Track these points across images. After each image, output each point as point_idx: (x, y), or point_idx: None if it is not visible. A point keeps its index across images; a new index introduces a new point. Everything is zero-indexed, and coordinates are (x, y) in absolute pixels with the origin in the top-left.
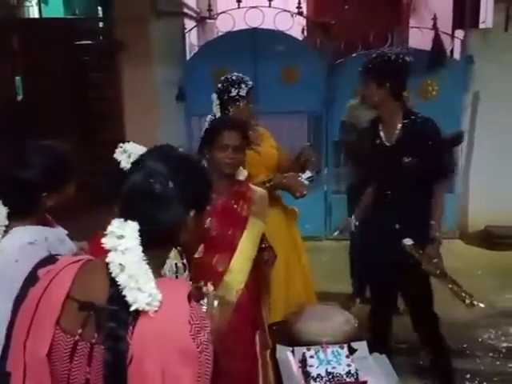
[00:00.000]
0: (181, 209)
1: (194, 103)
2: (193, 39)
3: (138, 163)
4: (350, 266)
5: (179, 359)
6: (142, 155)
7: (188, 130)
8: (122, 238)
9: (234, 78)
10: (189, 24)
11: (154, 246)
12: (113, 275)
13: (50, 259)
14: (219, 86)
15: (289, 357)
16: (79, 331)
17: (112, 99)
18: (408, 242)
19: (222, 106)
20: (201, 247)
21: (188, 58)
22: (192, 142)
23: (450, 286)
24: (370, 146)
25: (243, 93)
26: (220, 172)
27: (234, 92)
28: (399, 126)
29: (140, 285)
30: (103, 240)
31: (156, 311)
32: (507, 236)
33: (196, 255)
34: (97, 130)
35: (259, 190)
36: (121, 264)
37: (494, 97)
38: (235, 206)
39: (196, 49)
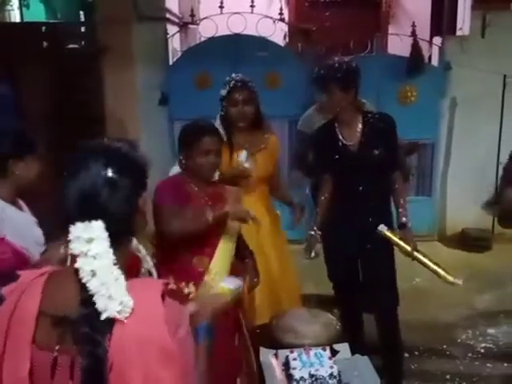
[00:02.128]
0: (133, 195)
1: (177, 107)
2: (176, 44)
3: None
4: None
5: (160, 360)
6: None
7: (171, 135)
8: (91, 242)
9: (226, 78)
10: (172, 29)
11: (119, 243)
12: (83, 281)
13: (11, 276)
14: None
15: (272, 360)
16: (57, 347)
17: (94, 103)
18: (383, 228)
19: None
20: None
21: (171, 62)
22: (175, 146)
23: (428, 265)
24: (330, 149)
25: (223, 93)
26: (200, 176)
27: (222, 92)
28: (360, 125)
29: (111, 292)
30: (70, 246)
31: (131, 315)
32: (483, 238)
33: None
34: (77, 134)
35: (234, 190)
36: (92, 270)
37: (471, 102)
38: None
39: (179, 54)
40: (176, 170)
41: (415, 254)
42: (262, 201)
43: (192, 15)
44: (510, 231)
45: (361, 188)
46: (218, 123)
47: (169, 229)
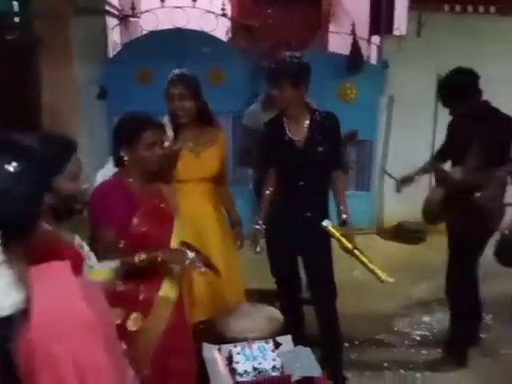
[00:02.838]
0: (36, 192)
1: (117, 102)
2: (116, 37)
3: None
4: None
5: (84, 332)
6: None
7: (110, 129)
8: None
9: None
10: (111, 22)
11: (17, 239)
12: None
13: None
14: None
15: (215, 355)
16: None
17: (30, 97)
18: (328, 223)
19: None
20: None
21: (111, 56)
22: None
23: (365, 262)
24: (277, 143)
25: (166, 87)
26: (144, 171)
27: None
28: (307, 122)
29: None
30: None
31: (46, 297)
32: (418, 230)
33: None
34: (11, 129)
35: (167, 186)
36: None
37: (408, 99)
38: (162, 206)
39: (119, 47)
40: (106, 172)
41: (355, 251)
42: (208, 199)
43: (133, 8)
44: (441, 224)
45: (303, 183)
46: (165, 119)
47: (104, 254)
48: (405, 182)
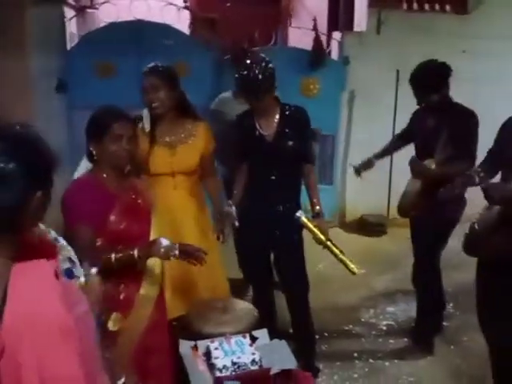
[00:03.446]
0: (25, 189)
1: (77, 95)
2: (73, 29)
3: None
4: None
5: (56, 336)
6: None
7: (69, 124)
8: None
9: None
10: (69, 13)
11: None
12: None
13: None
14: None
15: (192, 351)
16: None
17: None
18: (301, 214)
19: None
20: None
21: (69, 47)
22: (74, 135)
23: (338, 254)
24: (248, 139)
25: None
26: (113, 166)
27: None
28: (277, 116)
29: None
30: None
31: (22, 296)
32: (380, 223)
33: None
34: None
35: (142, 181)
36: None
37: (368, 95)
38: (139, 201)
39: (76, 38)
40: (84, 166)
41: (327, 242)
42: (185, 193)
43: None
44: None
45: (274, 177)
46: (145, 113)
47: (81, 253)
48: (365, 166)
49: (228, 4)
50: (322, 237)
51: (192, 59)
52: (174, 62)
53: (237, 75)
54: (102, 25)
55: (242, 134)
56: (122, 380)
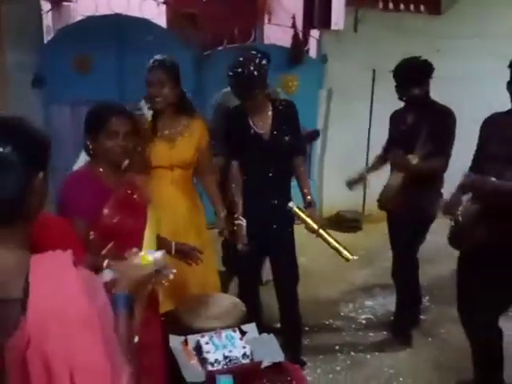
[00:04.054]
0: (27, 170)
1: (54, 90)
2: (49, 22)
3: None
4: (222, 248)
5: (80, 328)
6: None
7: (46, 119)
8: None
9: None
10: (45, 6)
11: (11, 220)
12: None
13: None
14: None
15: (183, 345)
16: None
17: None
18: (293, 205)
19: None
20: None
21: (45, 41)
22: (51, 131)
23: (331, 242)
24: (243, 138)
25: (146, 74)
26: (109, 162)
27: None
28: (269, 113)
29: None
30: None
31: (45, 287)
32: (356, 220)
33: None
34: None
35: (140, 177)
36: None
37: (345, 92)
38: (134, 197)
39: (52, 32)
40: (83, 159)
41: (320, 231)
42: (181, 187)
43: None
44: (376, 213)
45: (271, 174)
46: (142, 104)
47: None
48: (358, 181)
49: (204, 0)
50: (315, 226)
51: (171, 54)
52: (152, 56)
53: (230, 73)
54: (79, 18)
55: (234, 133)
56: None
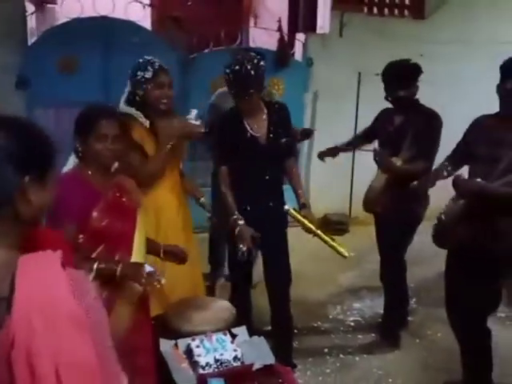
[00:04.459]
0: (11, 172)
1: (38, 92)
2: (33, 24)
3: None
4: (209, 250)
5: (68, 326)
6: None
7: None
8: None
9: (140, 61)
10: (29, 7)
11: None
12: None
13: None
14: (130, 72)
15: (173, 349)
16: None
17: None
18: (289, 207)
19: (131, 92)
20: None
21: (29, 42)
22: None
23: (328, 241)
24: (238, 141)
25: (148, 75)
26: (98, 164)
27: (139, 75)
28: (264, 116)
29: None
30: None
31: (32, 287)
32: (342, 222)
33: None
34: None
35: (129, 180)
36: None
37: (331, 95)
38: (123, 200)
39: (36, 34)
40: (72, 162)
41: (317, 231)
42: (177, 192)
43: None
44: (362, 215)
45: (267, 177)
46: (130, 110)
47: None
48: (329, 152)
49: (189, 3)
50: (311, 226)
51: (157, 57)
52: (138, 58)
53: (228, 70)
54: (64, 21)
55: (229, 136)
56: None
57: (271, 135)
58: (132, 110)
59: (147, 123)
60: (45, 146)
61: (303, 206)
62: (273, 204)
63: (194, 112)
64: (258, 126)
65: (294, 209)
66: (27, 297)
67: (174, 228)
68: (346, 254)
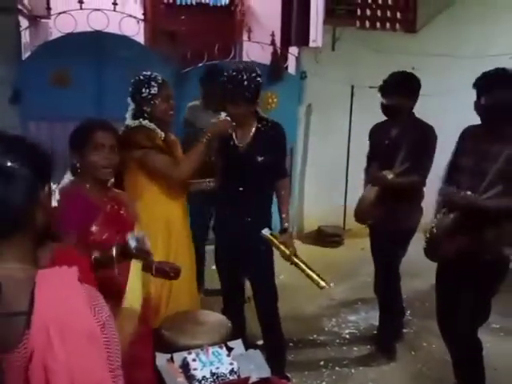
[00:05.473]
0: (34, 185)
1: (32, 107)
2: (27, 38)
3: None
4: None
5: (85, 341)
6: None
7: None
8: None
9: (141, 77)
10: (23, 23)
11: (18, 233)
12: None
13: None
14: (130, 89)
15: (169, 363)
16: None
17: None
18: (266, 232)
19: (138, 108)
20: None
21: (23, 57)
22: None
23: (304, 269)
24: (222, 145)
25: (155, 90)
26: (95, 176)
27: (145, 92)
28: (253, 129)
29: None
30: None
31: (50, 302)
32: (336, 234)
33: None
34: None
35: (125, 194)
36: None
37: (324, 108)
38: (121, 212)
39: (29, 48)
40: (67, 180)
41: (293, 258)
42: (183, 200)
43: (48, 8)
44: (356, 227)
45: (242, 189)
46: (145, 123)
47: None
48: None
49: (183, 17)
50: (287, 252)
51: (151, 71)
52: (132, 73)
53: (225, 73)
54: (57, 35)
55: (217, 142)
56: None
57: (252, 147)
58: (147, 123)
59: (162, 135)
60: (49, 160)
61: (283, 231)
62: (251, 220)
63: (223, 114)
64: (243, 137)
65: (272, 234)
66: (46, 312)
67: (183, 239)
68: (324, 285)
